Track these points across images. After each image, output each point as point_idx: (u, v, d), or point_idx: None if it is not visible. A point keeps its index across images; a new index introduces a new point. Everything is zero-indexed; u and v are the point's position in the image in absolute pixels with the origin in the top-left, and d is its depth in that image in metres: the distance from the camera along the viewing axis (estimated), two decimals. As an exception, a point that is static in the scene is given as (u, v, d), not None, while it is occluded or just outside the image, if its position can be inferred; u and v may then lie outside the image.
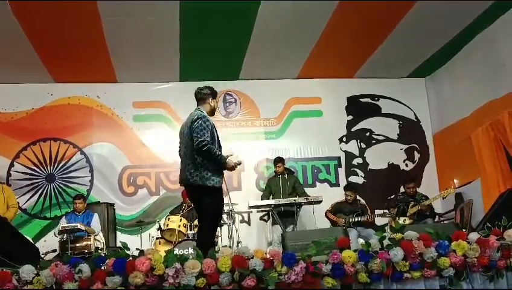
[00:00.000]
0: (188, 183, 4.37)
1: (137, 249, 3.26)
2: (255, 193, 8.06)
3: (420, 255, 3.41)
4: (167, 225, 6.53)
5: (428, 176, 8.54)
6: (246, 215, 8.08)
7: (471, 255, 3.46)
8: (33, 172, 7.88)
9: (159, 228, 6.74)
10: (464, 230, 4.60)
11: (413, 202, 6.93)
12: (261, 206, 7.08)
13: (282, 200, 6.84)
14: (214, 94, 4.71)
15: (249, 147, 8.38)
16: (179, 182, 4.74)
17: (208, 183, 4.28)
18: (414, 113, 8.82)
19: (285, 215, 6.87)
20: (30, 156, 7.91)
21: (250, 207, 7.11)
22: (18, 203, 6.94)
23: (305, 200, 6.75)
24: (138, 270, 3.05)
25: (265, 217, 8.05)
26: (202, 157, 4.29)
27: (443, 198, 6.98)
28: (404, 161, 8.62)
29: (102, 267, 3.13)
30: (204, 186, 4.28)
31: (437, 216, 7.39)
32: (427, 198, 6.97)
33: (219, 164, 4.35)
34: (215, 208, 4.41)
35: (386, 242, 3.51)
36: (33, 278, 3.00)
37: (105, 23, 6.35)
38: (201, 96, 4.68)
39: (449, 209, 7.65)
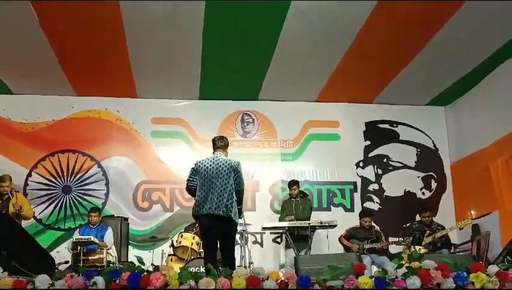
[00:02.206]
0: (225, 215, 4.96)
1: (152, 264, 3.25)
2: (269, 214, 8.03)
3: (438, 285, 3.34)
4: (180, 241, 6.53)
5: (445, 205, 8.42)
6: (258, 237, 8.03)
7: (490, 288, 3.39)
8: (50, 183, 7.96)
9: (172, 245, 6.72)
10: (480, 262, 4.51)
11: (428, 231, 6.82)
12: (275, 227, 7.04)
13: (297, 223, 6.79)
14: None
15: (265, 167, 8.39)
16: (206, 212, 4.95)
17: (236, 219, 5.09)
18: (432, 142, 8.76)
19: (298, 239, 6.81)
20: (48, 167, 8.00)
21: (264, 228, 7.07)
22: (34, 212, 6.99)
23: (320, 224, 6.69)
24: (152, 286, 3.04)
25: (278, 239, 7.99)
26: (239, 197, 5.15)
27: (460, 229, 6.87)
28: (420, 189, 8.52)
29: (117, 281, 3.13)
30: (235, 220, 5.07)
31: (452, 247, 7.26)
32: (443, 228, 6.87)
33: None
34: None
35: (402, 270, 3.45)
36: (48, 288, 3.01)
37: (129, 39, 6.45)
38: (225, 144, 5.36)
39: (465, 240, 7.51)
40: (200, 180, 5.10)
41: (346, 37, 6.48)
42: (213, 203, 4.95)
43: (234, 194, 5.07)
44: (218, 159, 5.16)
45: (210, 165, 5.12)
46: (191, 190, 5.20)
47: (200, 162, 5.21)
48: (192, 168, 5.21)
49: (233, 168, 5.11)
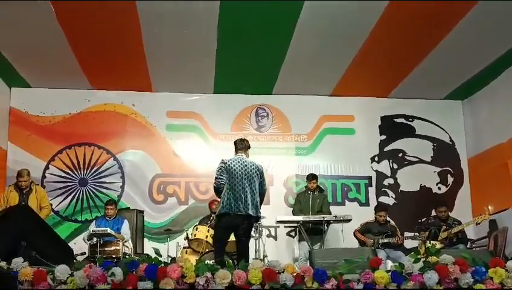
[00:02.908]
0: (255, 215, 5.25)
1: (169, 256, 3.28)
2: (283, 208, 8.02)
3: (455, 280, 3.33)
4: (195, 234, 6.57)
5: (462, 200, 8.34)
6: (272, 230, 8.04)
7: (509, 284, 3.36)
8: (67, 175, 8.05)
9: (187, 238, 6.77)
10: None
11: (445, 226, 6.77)
12: (289, 221, 7.04)
13: (311, 217, 6.79)
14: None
15: (279, 161, 8.38)
16: (238, 211, 5.13)
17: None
18: (449, 136, 8.66)
19: (312, 233, 6.81)
20: (65, 160, 8.09)
21: (278, 222, 7.09)
22: (51, 205, 7.09)
23: (335, 218, 6.68)
24: (169, 277, 3.08)
25: (292, 233, 7.99)
26: (262, 198, 5.43)
27: (477, 224, 6.80)
28: (436, 184, 8.43)
29: (134, 272, 3.17)
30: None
31: (469, 242, 7.20)
32: (459, 223, 6.80)
33: None
34: None
35: (418, 265, 3.43)
36: (67, 278, 3.06)
37: (145, 34, 6.48)
38: (245, 146, 5.53)
39: (482, 236, 7.44)
40: (229, 180, 5.23)
41: (362, 31, 6.42)
42: (247, 204, 5.14)
43: (259, 197, 5.32)
44: (246, 161, 5.35)
45: (239, 165, 5.29)
46: (219, 187, 5.28)
47: (228, 161, 5.33)
48: (221, 166, 5.31)
49: (260, 171, 5.37)
